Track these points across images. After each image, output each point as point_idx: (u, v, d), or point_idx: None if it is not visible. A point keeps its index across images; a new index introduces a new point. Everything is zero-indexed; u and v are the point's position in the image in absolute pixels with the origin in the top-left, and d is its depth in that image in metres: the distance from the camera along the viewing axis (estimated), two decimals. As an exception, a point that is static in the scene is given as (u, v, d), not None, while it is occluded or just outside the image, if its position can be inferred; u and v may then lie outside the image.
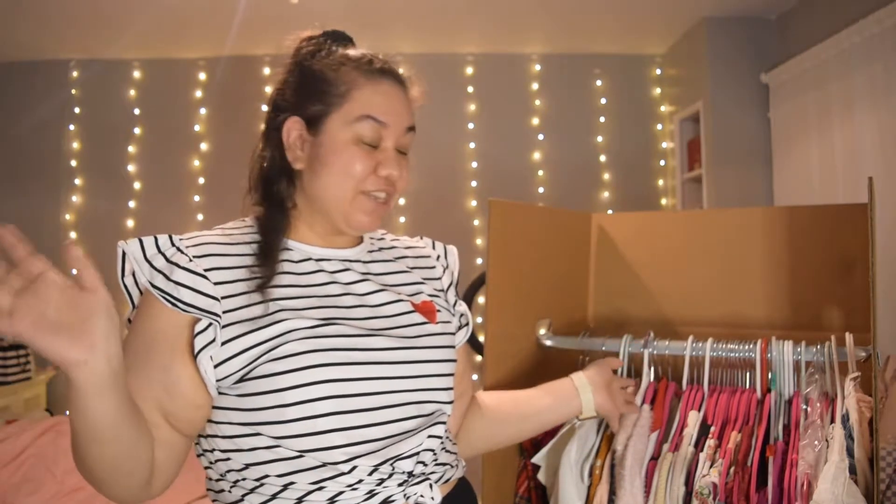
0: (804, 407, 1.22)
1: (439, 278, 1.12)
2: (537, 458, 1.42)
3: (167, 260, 0.87)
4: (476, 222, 4.04)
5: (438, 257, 1.14)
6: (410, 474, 0.91)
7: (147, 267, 0.86)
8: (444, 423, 0.97)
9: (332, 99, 0.95)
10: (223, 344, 0.85)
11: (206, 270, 0.87)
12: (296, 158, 0.96)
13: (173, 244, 0.88)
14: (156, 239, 0.88)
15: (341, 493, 0.86)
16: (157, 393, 0.85)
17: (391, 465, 0.89)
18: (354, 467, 0.87)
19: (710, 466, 1.19)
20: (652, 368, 1.39)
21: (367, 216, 0.96)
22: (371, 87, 0.96)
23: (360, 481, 0.87)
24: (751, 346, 1.31)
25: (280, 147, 0.97)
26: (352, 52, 0.99)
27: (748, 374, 1.34)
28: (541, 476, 1.43)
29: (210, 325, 0.85)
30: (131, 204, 4.00)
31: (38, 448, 2.70)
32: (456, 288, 1.15)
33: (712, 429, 1.27)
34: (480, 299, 3.39)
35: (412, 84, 1.02)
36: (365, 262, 1.02)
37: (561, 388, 1.24)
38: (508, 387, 1.43)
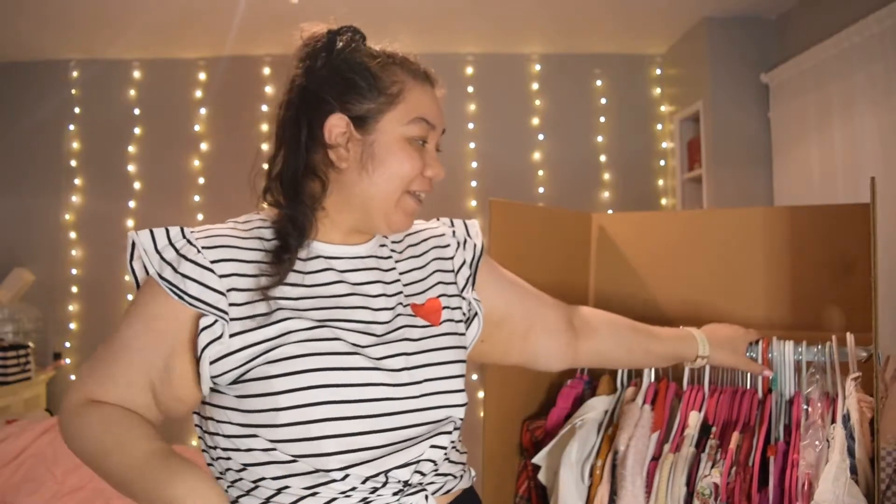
0: (805, 407, 1.22)
1: (451, 258, 1.09)
2: (537, 459, 1.42)
3: (177, 252, 0.87)
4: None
5: (454, 233, 1.12)
6: (406, 484, 0.89)
7: (157, 258, 0.87)
8: (450, 432, 0.94)
9: (385, 98, 0.94)
10: (230, 337, 0.85)
11: (212, 262, 0.87)
12: (340, 157, 0.93)
13: (184, 236, 0.88)
14: (167, 231, 0.88)
15: (334, 499, 0.86)
16: (152, 376, 0.87)
17: (386, 474, 0.88)
18: (348, 475, 0.86)
19: (712, 467, 1.19)
20: (652, 369, 1.39)
21: (408, 217, 0.99)
22: (420, 88, 0.97)
23: (353, 489, 0.86)
24: (752, 346, 1.31)
25: (315, 145, 0.93)
26: (391, 49, 0.99)
27: (749, 374, 1.34)
28: (541, 476, 1.43)
29: (216, 321, 0.85)
30: (131, 204, 3.99)
31: (38, 448, 2.70)
32: (478, 262, 1.11)
33: (713, 429, 1.27)
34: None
35: (440, 85, 1.04)
36: (377, 258, 1.01)
37: (678, 330, 1.27)
38: (510, 387, 1.43)
